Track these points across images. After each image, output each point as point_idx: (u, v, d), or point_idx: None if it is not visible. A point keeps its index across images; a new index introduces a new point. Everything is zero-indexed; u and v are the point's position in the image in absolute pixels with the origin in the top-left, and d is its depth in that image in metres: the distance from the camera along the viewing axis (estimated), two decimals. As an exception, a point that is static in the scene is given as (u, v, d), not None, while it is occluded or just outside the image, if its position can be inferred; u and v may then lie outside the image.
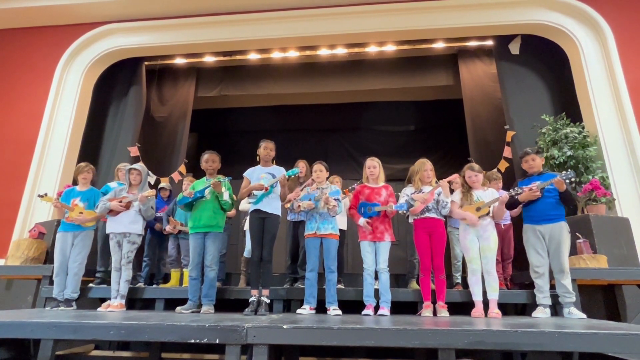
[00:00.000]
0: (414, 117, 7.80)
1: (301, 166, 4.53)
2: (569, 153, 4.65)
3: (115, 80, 6.43)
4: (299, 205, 3.54)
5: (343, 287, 4.14)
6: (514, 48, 5.80)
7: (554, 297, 3.41)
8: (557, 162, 4.67)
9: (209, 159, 3.69)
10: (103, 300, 3.88)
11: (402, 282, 4.69)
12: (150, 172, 5.60)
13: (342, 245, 4.21)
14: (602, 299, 3.92)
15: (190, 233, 3.63)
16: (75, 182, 4.31)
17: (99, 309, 3.67)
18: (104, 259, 4.37)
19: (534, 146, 4.72)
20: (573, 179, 3.39)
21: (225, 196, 3.59)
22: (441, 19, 5.67)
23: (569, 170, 3.36)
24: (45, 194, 4.12)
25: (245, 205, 4.42)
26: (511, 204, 3.58)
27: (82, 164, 4.22)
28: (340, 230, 4.13)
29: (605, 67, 5.12)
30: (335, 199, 3.49)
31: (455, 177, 3.68)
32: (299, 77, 6.71)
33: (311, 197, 3.59)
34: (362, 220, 3.55)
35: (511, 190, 3.49)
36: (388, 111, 7.71)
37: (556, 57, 5.57)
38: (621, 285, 3.83)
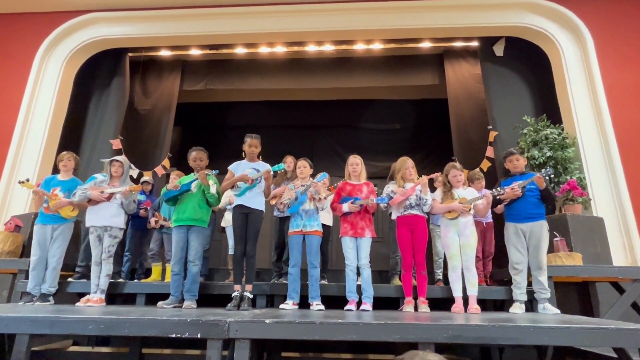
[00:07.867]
0: (400, 115, 7.85)
1: (289, 161, 4.43)
2: (548, 154, 4.78)
3: (98, 71, 6.27)
4: (282, 203, 3.54)
5: (326, 282, 4.16)
6: (498, 50, 5.91)
7: (530, 293, 3.51)
8: (537, 163, 4.79)
9: (197, 157, 3.63)
10: (82, 295, 3.80)
11: (385, 278, 4.74)
12: (132, 165, 5.49)
13: (326, 242, 4.23)
14: (576, 295, 4.05)
15: (174, 226, 3.58)
16: (56, 171, 4.14)
17: (77, 304, 3.59)
18: (87, 253, 4.23)
19: (516, 146, 4.84)
20: (552, 176, 3.49)
21: (213, 189, 3.55)
22: (428, 19, 5.73)
23: (548, 167, 3.44)
24: (27, 180, 4.00)
25: (224, 199, 4.39)
26: (494, 203, 3.67)
27: (65, 152, 4.07)
28: (326, 226, 4.15)
29: (585, 71, 5.27)
30: (325, 189, 3.49)
31: (437, 175, 3.74)
32: (286, 73, 6.67)
33: (296, 194, 3.59)
34: (345, 206, 3.56)
35: (494, 190, 3.57)
36: (374, 109, 7.74)
37: (538, 60, 5.70)
38: (595, 282, 3.97)
